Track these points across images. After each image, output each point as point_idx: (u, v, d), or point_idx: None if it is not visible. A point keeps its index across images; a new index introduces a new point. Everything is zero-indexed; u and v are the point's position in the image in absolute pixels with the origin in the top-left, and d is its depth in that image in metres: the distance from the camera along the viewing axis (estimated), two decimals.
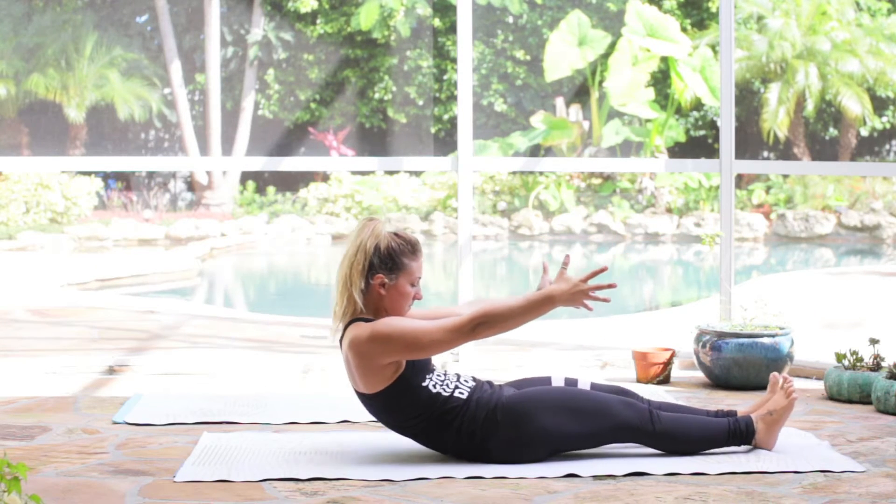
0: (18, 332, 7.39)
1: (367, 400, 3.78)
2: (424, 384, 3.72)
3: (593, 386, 3.89)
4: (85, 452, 3.95)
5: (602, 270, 3.64)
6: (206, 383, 5.32)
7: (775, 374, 3.96)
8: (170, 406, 4.66)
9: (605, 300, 3.62)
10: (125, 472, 3.69)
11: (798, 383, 5.34)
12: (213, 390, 5.15)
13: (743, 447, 3.86)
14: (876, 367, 4.86)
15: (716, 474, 3.63)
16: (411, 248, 3.76)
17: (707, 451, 3.82)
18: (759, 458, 3.81)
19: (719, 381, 5.23)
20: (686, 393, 5.09)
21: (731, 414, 3.90)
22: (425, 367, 3.75)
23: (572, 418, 3.72)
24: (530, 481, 3.57)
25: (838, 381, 4.87)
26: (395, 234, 3.77)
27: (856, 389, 4.81)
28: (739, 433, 3.83)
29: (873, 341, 4.87)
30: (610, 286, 3.63)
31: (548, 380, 3.93)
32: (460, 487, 3.50)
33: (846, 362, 4.94)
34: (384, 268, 3.72)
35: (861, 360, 4.92)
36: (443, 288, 12.14)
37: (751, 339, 5.16)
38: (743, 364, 5.15)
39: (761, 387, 5.18)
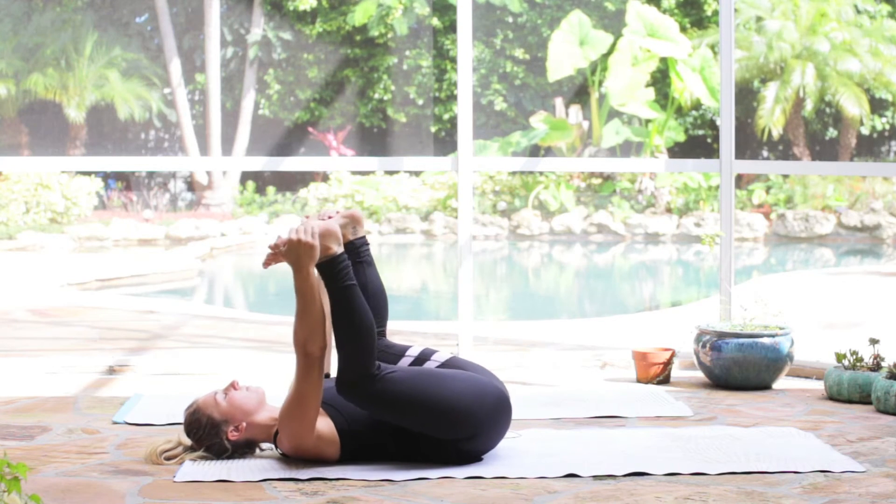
0: (18, 332, 7.39)
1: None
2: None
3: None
4: (85, 452, 3.95)
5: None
6: (206, 383, 5.31)
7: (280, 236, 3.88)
8: (170, 406, 4.66)
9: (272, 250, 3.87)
10: (125, 472, 3.69)
11: (798, 383, 5.34)
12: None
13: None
14: (876, 367, 4.86)
15: (716, 474, 3.63)
16: (205, 420, 3.79)
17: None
18: (759, 458, 3.81)
19: (719, 381, 5.23)
20: (686, 393, 5.10)
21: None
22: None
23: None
24: (530, 481, 3.57)
25: (838, 381, 4.87)
26: (192, 420, 3.81)
27: (856, 389, 4.81)
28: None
29: (873, 341, 4.87)
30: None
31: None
32: (460, 487, 3.50)
33: (846, 362, 4.93)
34: (217, 433, 3.77)
35: (861, 360, 4.92)
36: (443, 288, 12.11)
37: (751, 339, 5.16)
38: (743, 364, 5.15)
39: (762, 387, 5.18)
